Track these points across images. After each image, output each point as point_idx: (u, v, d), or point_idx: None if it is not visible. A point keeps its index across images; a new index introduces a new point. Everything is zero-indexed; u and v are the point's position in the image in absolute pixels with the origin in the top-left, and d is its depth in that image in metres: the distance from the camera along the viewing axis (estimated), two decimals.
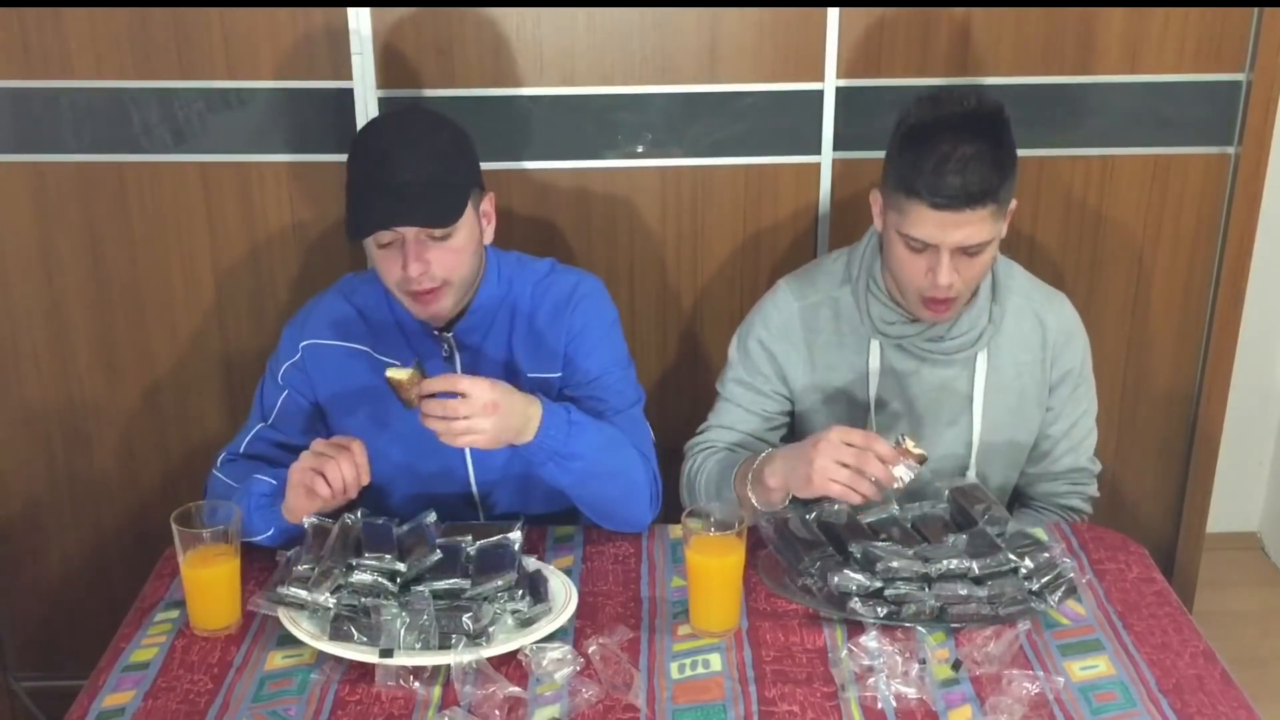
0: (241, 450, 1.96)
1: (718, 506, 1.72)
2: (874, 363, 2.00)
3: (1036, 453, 2.11)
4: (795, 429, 2.11)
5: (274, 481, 1.80)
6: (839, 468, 1.72)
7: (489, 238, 1.90)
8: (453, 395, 1.68)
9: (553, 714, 1.52)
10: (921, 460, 1.73)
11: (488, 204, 1.89)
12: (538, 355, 1.91)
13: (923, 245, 1.81)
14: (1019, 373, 2.02)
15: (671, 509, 1.89)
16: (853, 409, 2.04)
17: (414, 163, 1.76)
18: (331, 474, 1.68)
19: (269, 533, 1.81)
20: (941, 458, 2.03)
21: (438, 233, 1.77)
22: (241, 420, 2.02)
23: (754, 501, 1.88)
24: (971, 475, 2.05)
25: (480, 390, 1.68)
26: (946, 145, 1.75)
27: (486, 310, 1.91)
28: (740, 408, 2.07)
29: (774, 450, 1.89)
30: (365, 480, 1.71)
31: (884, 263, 1.95)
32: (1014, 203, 1.87)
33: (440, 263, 1.78)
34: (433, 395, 1.68)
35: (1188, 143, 2.46)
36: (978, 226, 1.78)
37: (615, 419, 1.90)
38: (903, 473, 1.72)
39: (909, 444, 1.72)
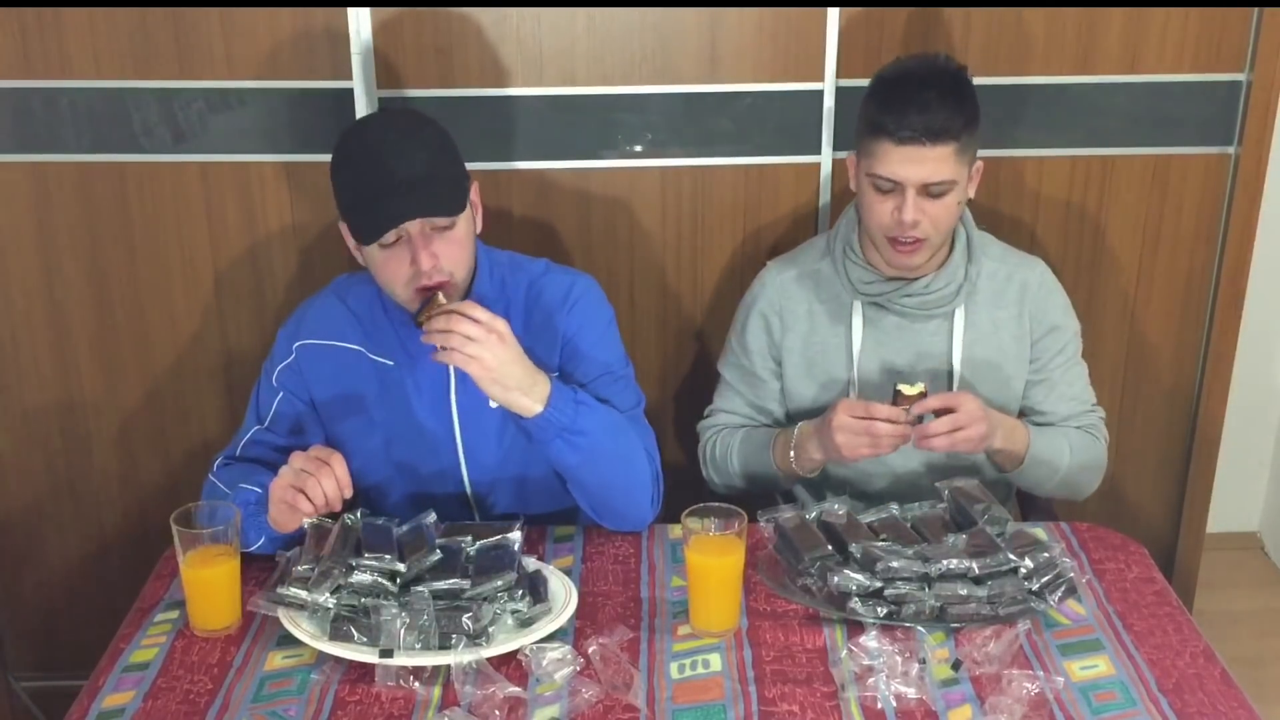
0: (238, 454, 1.95)
1: (716, 505, 1.72)
2: (856, 325, 2.08)
3: (1034, 416, 2.13)
4: (785, 393, 2.16)
5: (260, 490, 1.80)
6: (860, 445, 1.90)
7: (479, 227, 1.91)
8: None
9: (553, 714, 1.52)
10: (923, 394, 1.89)
11: (474, 194, 1.89)
12: (533, 355, 1.89)
13: (890, 185, 1.93)
14: (996, 328, 2.08)
15: (671, 509, 1.88)
16: (836, 371, 2.11)
17: (409, 159, 1.76)
18: (313, 492, 1.68)
19: (260, 542, 1.80)
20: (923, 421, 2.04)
21: (442, 223, 1.77)
22: (241, 420, 2.02)
23: (799, 470, 2.05)
24: None
25: (491, 318, 1.70)
26: (912, 90, 1.91)
27: None
28: (739, 394, 2.17)
29: (803, 431, 2.02)
30: (348, 494, 1.71)
31: (859, 217, 2.04)
32: (979, 164, 2.00)
33: (446, 255, 1.78)
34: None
35: (1188, 143, 2.46)
36: (940, 164, 1.90)
37: None
38: (912, 415, 1.88)
39: (905, 389, 1.89)
